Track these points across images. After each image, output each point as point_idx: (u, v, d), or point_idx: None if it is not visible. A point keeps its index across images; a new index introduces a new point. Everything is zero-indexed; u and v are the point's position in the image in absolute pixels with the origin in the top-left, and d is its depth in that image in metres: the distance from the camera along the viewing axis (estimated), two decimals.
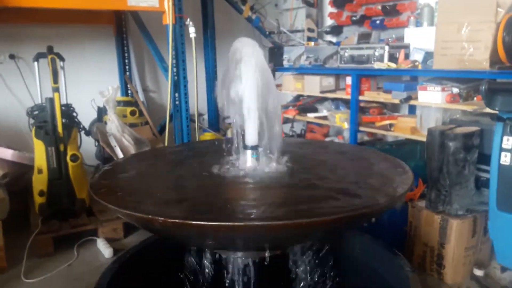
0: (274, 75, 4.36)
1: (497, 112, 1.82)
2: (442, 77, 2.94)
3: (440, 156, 2.35)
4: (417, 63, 3.01)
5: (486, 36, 2.52)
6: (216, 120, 4.57)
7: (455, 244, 2.31)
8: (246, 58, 1.26)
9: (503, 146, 1.81)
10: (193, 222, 0.95)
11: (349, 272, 1.68)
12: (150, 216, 1.01)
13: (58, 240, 2.79)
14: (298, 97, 4.51)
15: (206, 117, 4.72)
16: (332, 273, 1.48)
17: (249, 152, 1.33)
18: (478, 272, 2.34)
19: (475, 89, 2.88)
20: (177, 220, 0.98)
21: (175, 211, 1.09)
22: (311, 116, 4.11)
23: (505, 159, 1.81)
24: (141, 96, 4.32)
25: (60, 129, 2.85)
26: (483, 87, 1.75)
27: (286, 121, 4.59)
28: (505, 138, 1.80)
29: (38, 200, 2.87)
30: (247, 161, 1.33)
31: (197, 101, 3.85)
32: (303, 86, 4.06)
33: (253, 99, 1.28)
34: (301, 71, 4.06)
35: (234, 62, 1.30)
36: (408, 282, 1.42)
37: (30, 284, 2.40)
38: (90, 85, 4.00)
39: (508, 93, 1.69)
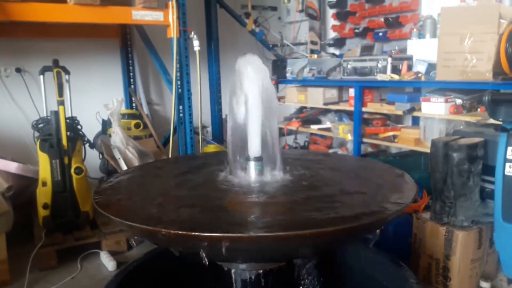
0: (277, 87, 4.39)
1: (500, 122, 1.82)
2: (445, 88, 2.95)
3: (444, 168, 2.34)
4: (420, 75, 3.02)
5: (488, 47, 2.53)
6: (220, 132, 4.59)
7: (460, 256, 2.29)
8: (251, 75, 1.28)
9: (508, 156, 1.80)
10: (196, 234, 0.95)
11: (354, 284, 1.66)
12: (152, 228, 1.01)
13: (62, 253, 2.78)
14: (301, 109, 4.52)
15: (209, 129, 4.75)
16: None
17: (252, 163, 1.33)
18: (485, 285, 2.32)
19: (478, 100, 2.88)
20: (179, 232, 0.98)
21: (177, 223, 1.09)
22: (314, 127, 4.12)
23: (509, 169, 1.80)
24: (145, 109, 4.35)
25: (64, 141, 2.86)
26: (486, 98, 1.75)
27: (289, 133, 4.60)
28: (509, 148, 1.79)
29: (42, 213, 2.87)
30: (250, 173, 1.34)
31: (201, 113, 3.87)
32: (306, 98, 4.07)
33: (257, 111, 1.29)
34: (304, 83, 4.08)
35: (239, 78, 1.31)
36: None
37: None
38: (95, 98, 4.04)
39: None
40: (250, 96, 1.28)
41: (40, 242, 2.73)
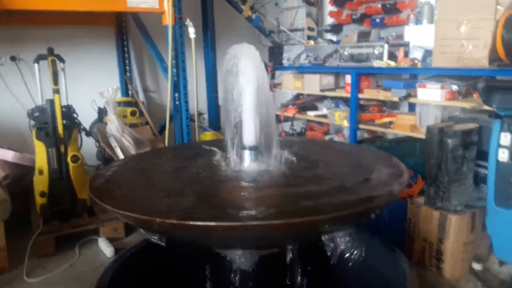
0: (274, 74, 4.39)
1: (494, 109, 1.83)
2: (441, 75, 2.95)
3: (439, 153, 2.35)
4: (416, 61, 3.02)
5: (485, 34, 2.53)
6: (216, 119, 4.59)
7: (453, 239, 2.32)
8: (245, 64, 1.28)
9: (501, 142, 1.82)
10: (191, 223, 0.96)
11: (347, 268, 1.69)
12: (147, 217, 1.02)
13: (60, 240, 2.80)
14: (298, 96, 4.52)
15: (206, 116, 4.74)
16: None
17: (247, 152, 1.34)
18: (477, 266, 2.35)
19: (474, 86, 2.88)
20: (174, 221, 0.99)
21: (173, 212, 1.10)
22: (311, 114, 4.13)
23: (502, 155, 1.82)
24: (141, 97, 4.34)
25: (60, 130, 2.86)
26: (481, 85, 1.76)
27: (286, 119, 4.60)
28: (502, 134, 1.81)
29: (40, 200, 2.88)
30: (245, 161, 1.35)
31: (197, 100, 3.87)
32: (303, 84, 4.07)
33: (251, 101, 1.29)
34: (301, 70, 4.07)
35: (233, 67, 1.31)
36: (405, 278, 1.43)
37: (32, 283, 2.42)
38: (90, 85, 4.03)
39: (506, 90, 1.69)
40: (244, 87, 1.28)
41: (38, 230, 2.74)
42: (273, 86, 4.46)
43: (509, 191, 1.82)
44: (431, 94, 2.89)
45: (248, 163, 1.35)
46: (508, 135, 1.79)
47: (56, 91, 2.87)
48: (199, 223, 0.99)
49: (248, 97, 1.29)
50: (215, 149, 1.57)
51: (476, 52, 2.58)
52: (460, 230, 2.32)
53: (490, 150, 1.92)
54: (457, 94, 2.85)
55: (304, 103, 4.45)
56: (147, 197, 1.26)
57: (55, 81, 2.87)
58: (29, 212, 3.07)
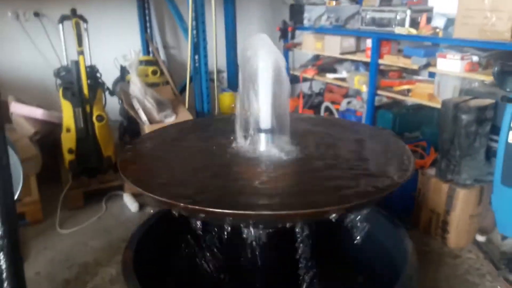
0: (294, 34, 4.36)
1: (508, 93, 1.85)
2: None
3: (452, 128, 2.40)
4: (438, 30, 2.98)
5: (510, 6, 2.48)
6: (235, 78, 4.62)
7: (460, 212, 2.42)
8: (263, 55, 1.34)
9: None
10: (211, 210, 1.07)
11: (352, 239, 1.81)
12: (173, 202, 1.13)
13: (88, 195, 3.00)
14: (317, 56, 4.50)
15: (225, 75, 4.77)
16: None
17: (263, 135, 1.43)
18: (481, 238, 2.46)
19: (495, 57, 2.85)
20: (196, 207, 1.10)
21: (193, 197, 1.20)
22: (330, 77, 4.13)
23: None
24: (162, 55, 4.39)
25: (86, 91, 2.97)
26: (496, 69, 1.77)
27: (304, 80, 4.62)
28: None
29: (68, 157, 3.05)
30: (261, 144, 1.44)
31: (216, 59, 3.90)
32: (323, 46, 4.05)
33: (268, 85, 1.36)
34: (321, 31, 4.03)
35: (251, 57, 1.37)
36: (407, 254, 1.55)
37: (65, 234, 2.64)
38: (112, 44, 4.09)
39: None
40: (262, 75, 1.35)
41: (68, 185, 2.94)
42: (293, 46, 4.45)
43: None
44: (451, 65, 2.87)
45: (264, 146, 1.44)
46: None
47: (81, 53, 2.96)
48: (217, 210, 1.09)
49: (265, 85, 1.36)
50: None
51: (499, 24, 2.54)
52: (467, 203, 2.41)
53: (501, 132, 1.96)
54: (477, 66, 2.83)
55: (324, 64, 4.44)
56: (170, 179, 1.35)
57: (79, 42, 2.95)
58: (58, 167, 3.25)
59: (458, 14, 2.73)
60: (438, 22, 3.03)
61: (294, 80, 4.79)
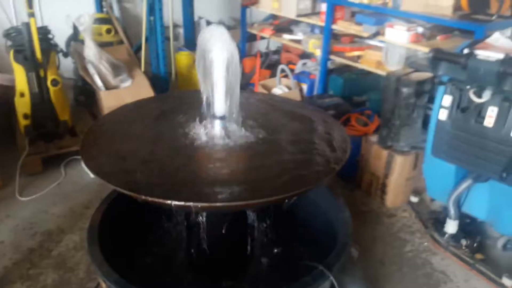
0: None
1: (440, 77, 2.04)
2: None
3: (394, 100, 2.59)
4: (387, 1, 3.10)
5: None
6: (192, 35, 4.58)
7: (397, 176, 2.68)
8: (218, 48, 1.42)
9: (443, 104, 2.06)
10: (168, 202, 1.19)
11: (299, 207, 2.01)
12: (132, 193, 1.24)
13: (46, 160, 3.03)
14: (275, 15, 4.53)
15: (181, 31, 4.71)
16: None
17: (217, 121, 1.54)
18: (414, 199, 2.75)
19: (438, 29, 3.03)
20: (153, 199, 1.21)
21: (148, 186, 1.32)
22: (286, 38, 4.21)
23: (442, 115, 2.07)
24: (115, 9, 4.26)
25: (38, 55, 2.91)
26: (429, 55, 1.94)
27: (262, 37, 4.66)
28: (445, 97, 2.04)
29: (23, 122, 3.04)
30: (215, 130, 1.56)
31: (172, 16, 3.85)
32: (280, 6, 4.08)
33: (222, 77, 1.47)
34: None
35: (205, 48, 1.45)
36: (345, 223, 1.77)
37: (26, 201, 2.70)
38: (63, 0, 3.92)
39: (449, 61, 1.89)
40: (216, 65, 1.44)
41: (25, 151, 2.94)
42: (251, 4, 4.45)
43: (442, 145, 2.11)
44: (398, 35, 3.03)
45: (218, 131, 1.56)
46: (449, 97, 2.03)
47: (31, 15, 2.86)
48: (177, 202, 1.21)
49: (220, 77, 1.46)
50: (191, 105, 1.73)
51: (442, 0, 2.70)
52: (404, 168, 2.67)
53: (433, 109, 2.17)
54: (421, 37, 3.01)
55: (281, 23, 4.49)
56: (127, 165, 1.45)
57: (30, 4, 2.84)
58: (13, 132, 3.23)
59: None
60: None
61: (251, 38, 4.83)
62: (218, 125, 1.56)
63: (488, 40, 1.94)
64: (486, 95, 1.86)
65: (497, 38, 1.94)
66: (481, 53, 1.79)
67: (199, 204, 1.21)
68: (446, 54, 1.89)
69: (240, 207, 1.45)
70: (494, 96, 1.85)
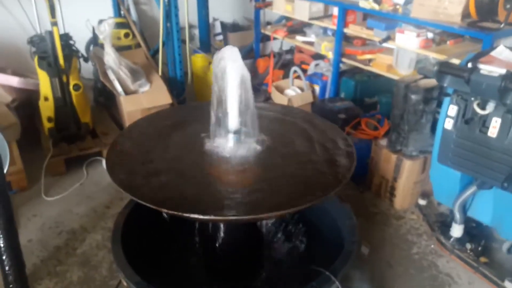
0: None
1: (445, 88, 2.12)
2: None
3: (403, 106, 2.66)
4: (398, 7, 3.15)
5: None
6: (207, 37, 4.69)
7: (405, 179, 2.76)
8: (232, 67, 1.53)
9: (448, 113, 2.13)
10: (184, 214, 1.32)
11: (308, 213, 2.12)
12: (156, 208, 1.36)
13: (68, 161, 3.19)
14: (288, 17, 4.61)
15: (197, 32, 4.82)
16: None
17: (231, 135, 1.65)
18: (422, 202, 2.83)
19: (448, 34, 3.08)
20: (172, 212, 1.33)
21: (167, 200, 1.44)
22: (299, 39, 4.29)
23: (448, 124, 2.15)
24: (133, 14, 4.39)
25: (61, 61, 3.06)
26: (435, 68, 2.02)
27: (275, 38, 4.74)
28: (450, 107, 2.11)
29: (47, 125, 3.20)
30: (229, 143, 1.67)
31: (188, 19, 3.95)
32: (293, 9, 4.15)
33: (235, 93, 1.58)
34: None
35: (220, 68, 1.56)
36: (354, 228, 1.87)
37: (51, 201, 2.86)
38: (83, 5, 4.07)
39: (455, 74, 1.96)
40: (231, 85, 1.55)
41: (50, 152, 3.11)
42: (264, 6, 4.53)
43: (448, 153, 2.19)
44: (408, 40, 3.09)
45: (232, 145, 1.67)
46: (454, 107, 2.10)
47: (54, 24, 3.00)
48: (188, 215, 1.33)
49: (233, 93, 1.57)
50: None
51: (451, 8, 2.75)
52: (412, 172, 2.75)
53: (439, 118, 2.24)
54: (431, 42, 3.06)
55: (294, 25, 4.56)
56: (144, 178, 1.58)
57: (53, 14, 2.98)
58: (38, 134, 3.39)
59: None
60: None
61: (265, 38, 4.91)
62: (232, 139, 1.67)
63: (493, 53, 2.00)
64: (490, 107, 1.93)
65: (501, 51, 2.00)
66: (484, 68, 1.87)
67: (218, 218, 1.32)
68: (451, 68, 1.96)
69: (256, 220, 1.56)
70: (497, 108, 1.91)
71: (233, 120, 1.65)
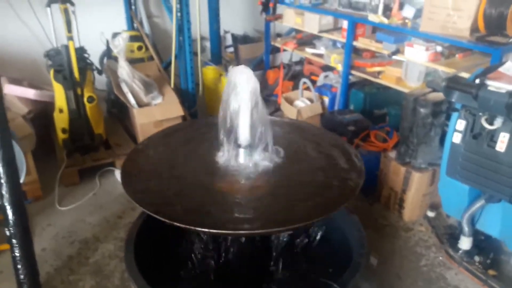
0: (275, 9, 4.49)
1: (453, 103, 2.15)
2: None
3: (412, 119, 2.69)
4: (407, 21, 3.19)
5: (470, 7, 2.70)
6: (218, 49, 4.77)
7: (414, 191, 2.78)
8: (243, 84, 1.58)
9: (456, 128, 2.15)
10: (197, 228, 1.36)
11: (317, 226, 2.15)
12: (171, 222, 1.41)
13: (82, 171, 3.25)
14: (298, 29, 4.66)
15: (208, 44, 4.90)
16: None
17: (242, 150, 1.70)
18: (431, 213, 2.84)
19: (457, 47, 3.11)
20: (188, 226, 1.38)
21: (182, 215, 1.49)
22: (309, 51, 4.33)
23: (456, 138, 2.17)
24: (146, 27, 4.48)
25: (76, 74, 3.14)
26: (443, 84, 2.05)
27: (285, 49, 4.80)
28: (459, 121, 2.14)
29: (62, 136, 3.28)
30: (240, 158, 1.71)
31: (200, 32, 4.03)
32: (303, 22, 4.21)
33: (246, 108, 1.62)
34: (301, 8, 4.18)
35: (232, 85, 1.61)
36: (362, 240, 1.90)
37: (65, 211, 2.92)
38: (97, 17, 4.17)
39: (463, 90, 1.99)
40: (242, 101, 1.60)
41: (64, 163, 3.18)
42: (275, 19, 4.59)
43: (456, 167, 2.21)
44: (417, 54, 3.12)
45: (243, 159, 1.72)
46: (463, 122, 2.12)
47: (70, 38, 3.09)
48: (200, 229, 1.37)
49: (244, 109, 1.62)
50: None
51: (460, 22, 2.77)
52: (421, 184, 2.76)
53: (448, 132, 2.26)
54: (439, 56, 3.09)
55: (304, 37, 4.62)
56: (156, 194, 1.63)
57: (69, 29, 3.07)
58: (52, 144, 3.47)
59: (425, 9, 2.95)
60: (408, 13, 3.23)
61: (275, 50, 4.97)
62: (243, 154, 1.71)
63: (501, 69, 2.03)
64: (498, 122, 1.95)
65: (509, 67, 2.02)
66: (492, 84, 1.89)
67: (229, 232, 1.36)
68: (459, 84, 1.99)
69: (267, 234, 1.59)
70: (505, 124, 1.93)
71: (243, 134, 1.69)
